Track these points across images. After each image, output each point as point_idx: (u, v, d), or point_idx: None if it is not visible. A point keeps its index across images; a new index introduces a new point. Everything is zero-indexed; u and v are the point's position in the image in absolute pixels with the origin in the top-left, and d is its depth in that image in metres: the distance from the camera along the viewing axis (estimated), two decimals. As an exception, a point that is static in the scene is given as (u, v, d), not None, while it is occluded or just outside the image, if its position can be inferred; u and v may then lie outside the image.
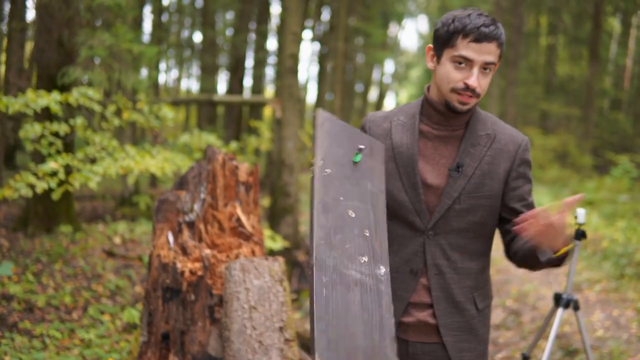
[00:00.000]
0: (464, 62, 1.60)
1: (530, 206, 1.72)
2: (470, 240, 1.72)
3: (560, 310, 3.21)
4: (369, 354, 1.34)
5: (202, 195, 3.00)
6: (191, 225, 2.99)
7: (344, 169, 1.54)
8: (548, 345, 3.08)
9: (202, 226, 2.97)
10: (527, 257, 1.62)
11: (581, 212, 3.04)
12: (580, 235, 3.02)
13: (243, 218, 3.04)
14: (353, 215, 1.49)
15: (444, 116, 1.71)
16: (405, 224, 1.73)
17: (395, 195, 1.73)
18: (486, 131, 1.72)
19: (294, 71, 7.18)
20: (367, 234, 1.49)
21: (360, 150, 1.59)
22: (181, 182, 3.14)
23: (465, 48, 1.59)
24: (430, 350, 1.72)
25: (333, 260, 1.41)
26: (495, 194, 1.70)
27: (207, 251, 2.82)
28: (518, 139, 1.73)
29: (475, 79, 1.60)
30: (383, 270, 1.48)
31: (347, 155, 1.56)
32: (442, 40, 1.64)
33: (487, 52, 1.59)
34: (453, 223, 1.69)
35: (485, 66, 1.61)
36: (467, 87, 1.60)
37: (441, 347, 1.72)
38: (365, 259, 1.46)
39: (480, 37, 1.57)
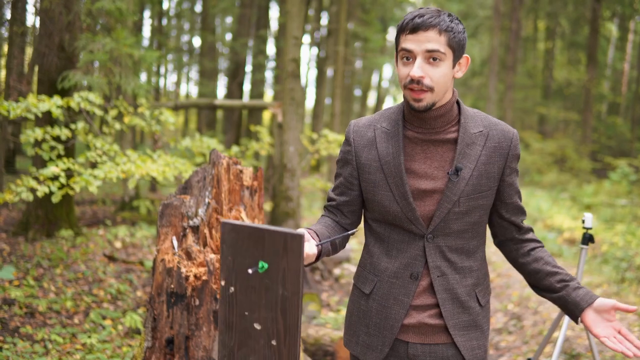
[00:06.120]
0: (409, 57, 1.60)
1: (519, 193, 1.77)
2: (468, 240, 1.72)
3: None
4: None
5: (207, 200, 3.00)
6: (195, 229, 2.98)
7: (250, 280, 1.50)
8: (556, 350, 3.07)
9: (206, 231, 2.96)
10: (547, 290, 1.75)
11: (588, 216, 3.03)
12: (587, 239, 3.02)
13: (247, 223, 3.03)
14: (259, 328, 1.48)
15: (418, 119, 1.69)
16: (403, 230, 1.73)
17: (387, 206, 1.72)
18: (479, 128, 1.69)
19: (296, 75, 7.18)
20: (274, 344, 1.46)
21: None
22: (185, 187, 3.14)
23: (404, 41, 1.60)
24: (430, 351, 1.71)
25: None
26: (490, 192, 1.70)
27: (212, 256, 2.81)
28: (509, 134, 1.71)
29: (418, 69, 1.57)
30: None
31: (253, 264, 1.50)
32: (395, 43, 1.68)
33: (426, 40, 1.56)
34: (453, 226, 1.68)
35: (430, 55, 1.58)
36: (412, 79, 1.59)
37: (443, 347, 1.72)
38: None
39: (415, 27, 1.57)
